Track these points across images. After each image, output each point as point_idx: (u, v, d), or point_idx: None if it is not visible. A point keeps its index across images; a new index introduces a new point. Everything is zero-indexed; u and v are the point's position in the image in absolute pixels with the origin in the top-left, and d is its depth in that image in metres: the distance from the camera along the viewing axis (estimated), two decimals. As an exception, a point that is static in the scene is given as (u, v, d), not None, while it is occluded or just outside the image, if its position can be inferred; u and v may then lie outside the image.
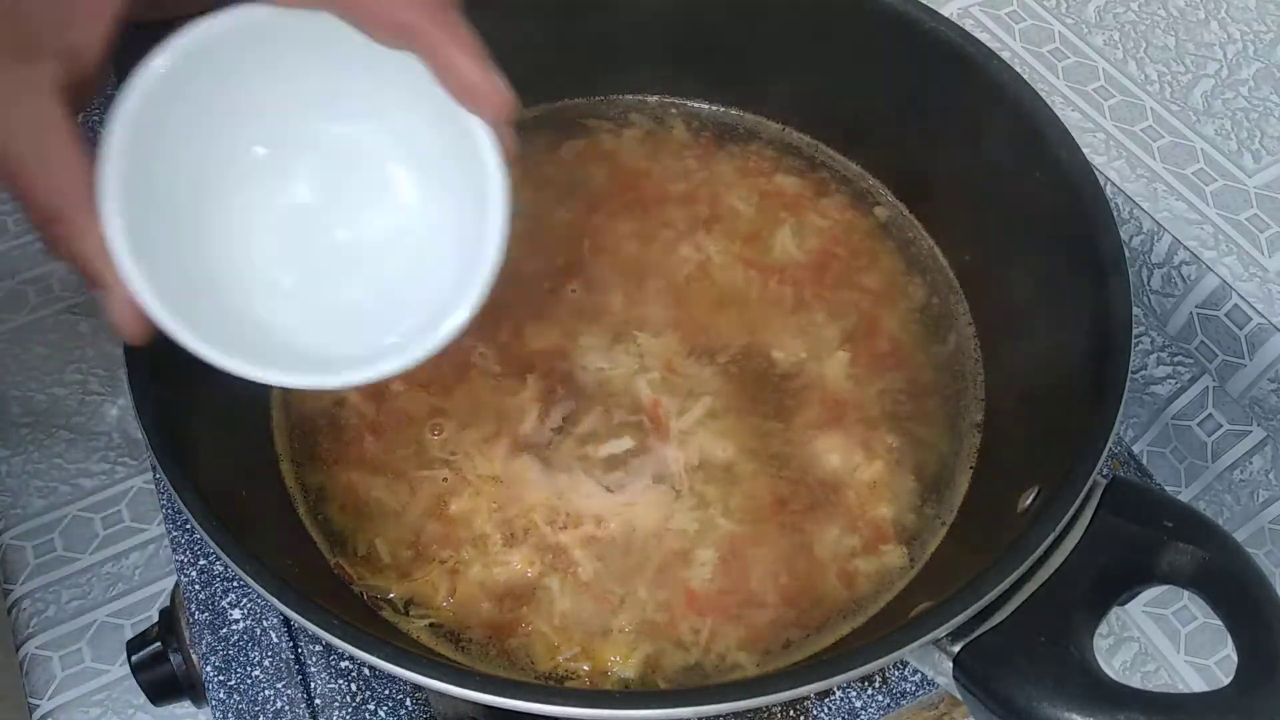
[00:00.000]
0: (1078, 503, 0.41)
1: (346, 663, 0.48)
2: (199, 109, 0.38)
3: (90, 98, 0.36)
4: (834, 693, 0.48)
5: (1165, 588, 0.42)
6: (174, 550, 0.51)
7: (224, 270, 0.40)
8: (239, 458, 0.50)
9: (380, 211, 0.42)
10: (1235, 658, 0.38)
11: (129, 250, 0.35)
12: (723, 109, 0.66)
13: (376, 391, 0.54)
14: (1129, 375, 0.44)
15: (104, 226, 0.35)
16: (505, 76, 0.36)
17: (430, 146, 0.40)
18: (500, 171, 0.37)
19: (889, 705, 0.48)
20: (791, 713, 0.48)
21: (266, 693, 0.47)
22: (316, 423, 0.53)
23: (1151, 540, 0.41)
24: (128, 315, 0.35)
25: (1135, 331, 0.52)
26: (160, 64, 0.36)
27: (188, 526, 0.51)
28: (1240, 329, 0.58)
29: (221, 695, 0.47)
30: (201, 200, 0.39)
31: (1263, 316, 0.57)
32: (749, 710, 0.38)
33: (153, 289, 0.36)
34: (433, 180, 0.42)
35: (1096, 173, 0.50)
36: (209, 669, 0.47)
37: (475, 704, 0.37)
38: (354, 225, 0.42)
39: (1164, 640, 0.66)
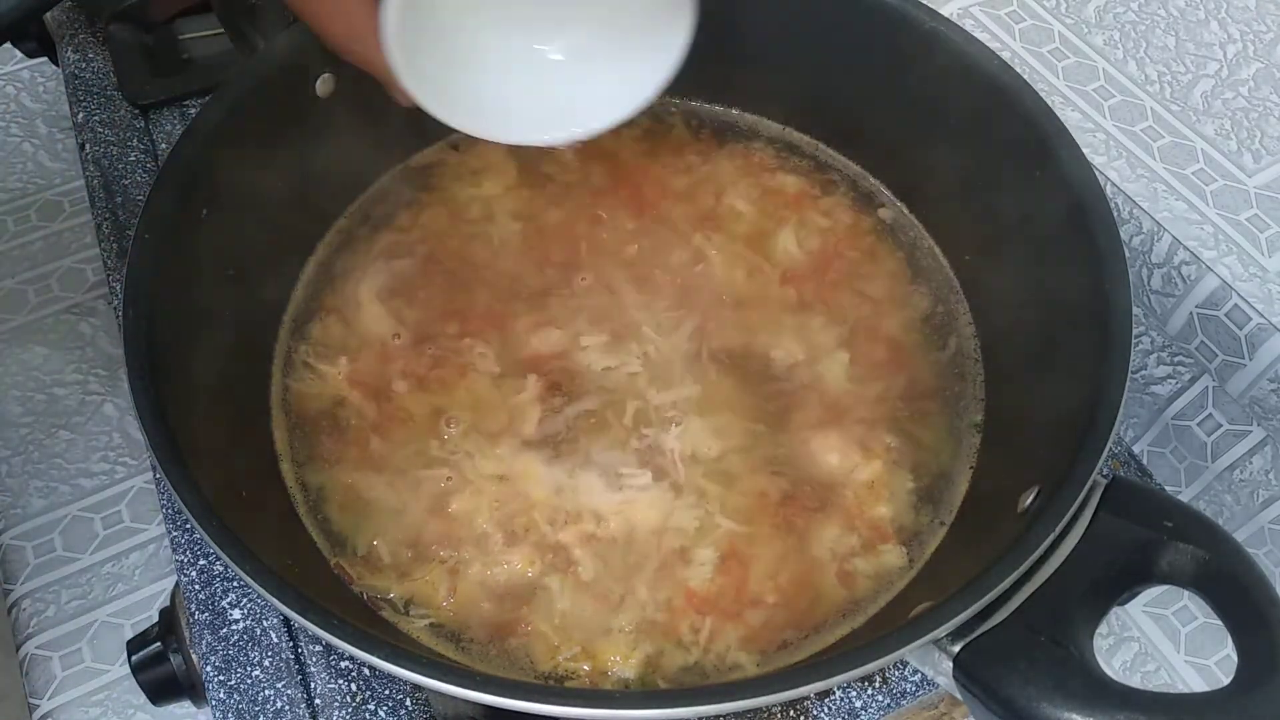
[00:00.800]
0: (1078, 503, 0.41)
1: (346, 663, 0.48)
2: None
3: None
4: (834, 693, 0.48)
5: (1165, 588, 0.42)
6: (174, 550, 0.51)
7: (464, 61, 0.52)
8: (239, 458, 0.50)
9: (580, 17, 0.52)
10: (1235, 658, 0.38)
11: (404, 65, 0.47)
12: (723, 109, 0.66)
13: (378, 391, 0.54)
14: (1129, 375, 0.44)
15: (389, 54, 0.47)
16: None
17: None
18: None
19: (889, 705, 0.48)
20: (791, 713, 0.48)
21: (266, 693, 0.47)
22: (317, 423, 0.53)
23: (1151, 540, 0.41)
24: (403, 100, 0.49)
25: (1135, 331, 0.52)
26: None
27: (188, 526, 0.51)
28: (1240, 329, 0.58)
29: (221, 695, 0.47)
30: (447, 15, 0.50)
31: (1263, 316, 0.57)
32: (749, 710, 0.38)
33: (419, 87, 0.48)
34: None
35: (1096, 173, 0.50)
36: (209, 669, 0.47)
37: (475, 704, 0.37)
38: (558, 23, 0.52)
39: (1164, 640, 0.66)
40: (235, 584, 0.50)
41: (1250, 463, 0.63)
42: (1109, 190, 0.62)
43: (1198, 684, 0.64)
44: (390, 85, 0.49)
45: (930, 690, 0.48)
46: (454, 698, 0.37)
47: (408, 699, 0.47)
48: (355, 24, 0.49)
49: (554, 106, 0.53)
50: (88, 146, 0.66)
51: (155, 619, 0.53)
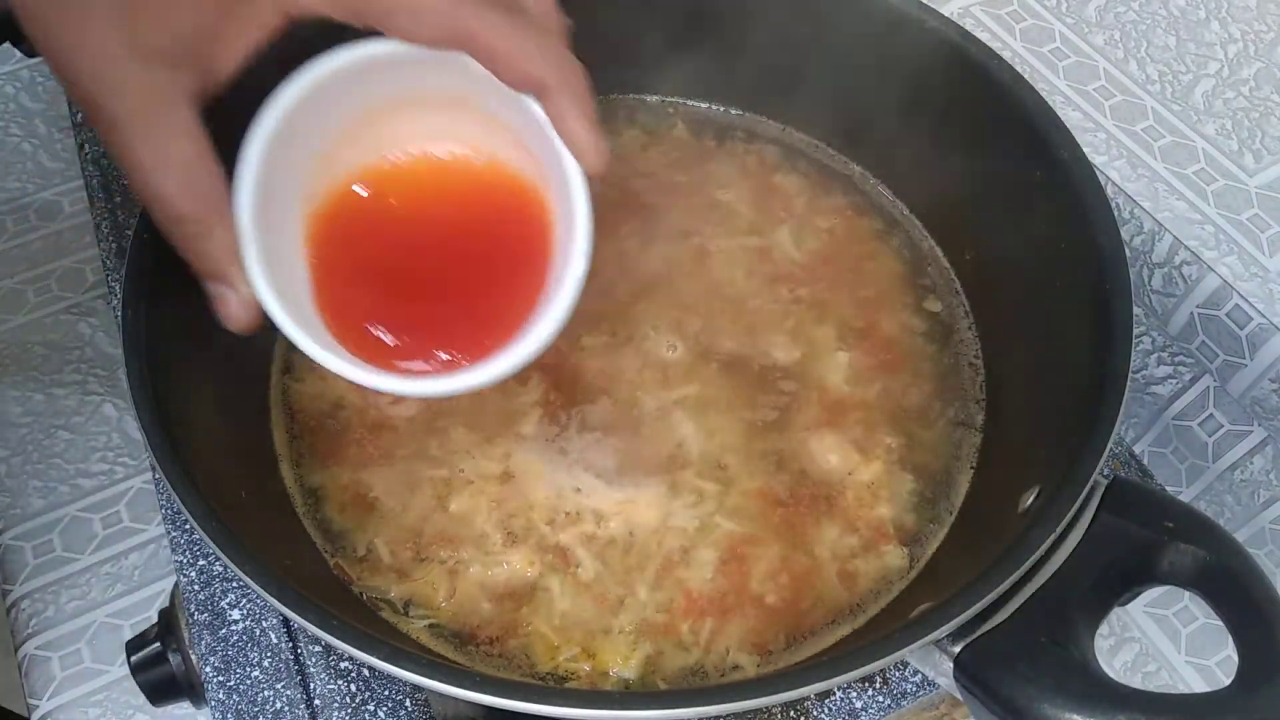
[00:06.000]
0: (1078, 503, 0.41)
1: (346, 663, 0.48)
2: (322, 126, 0.41)
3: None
4: (834, 693, 0.48)
5: (1166, 588, 0.42)
6: (173, 550, 0.51)
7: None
8: (239, 458, 0.50)
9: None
10: (1236, 658, 0.38)
11: (256, 253, 0.38)
12: (723, 109, 0.66)
13: (378, 392, 0.54)
14: (1129, 375, 0.44)
15: (238, 231, 0.38)
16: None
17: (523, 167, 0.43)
18: (588, 213, 0.40)
19: (890, 706, 0.48)
20: (792, 713, 0.48)
21: (266, 693, 0.47)
22: (316, 423, 0.53)
23: (1152, 541, 0.41)
24: (243, 309, 0.39)
25: (1136, 331, 0.52)
26: (297, 88, 0.39)
27: (187, 526, 0.51)
28: (1241, 329, 0.58)
29: (221, 696, 0.47)
30: (304, 208, 0.42)
31: (1263, 316, 0.57)
32: (749, 711, 0.38)
33: (268, 287, 0.39)
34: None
35: (1097, 172, 0.50)
36: (208, 669, 0.47)
37: (475, 704, 0.37)
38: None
39: (1165, 641, 0.66)
40: (235, 584, 0.50)
41: (1251, 463, 0.63)
42: (1110, 190, 0.62)
43: (1199, 684, 0.64)
44: (225, 280, 0.39)
45: (931, 691, 0.48)
46: (454, 698, 0.37)
47: (407, 700, 0.47)
48: (196, 185, 0.37)
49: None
50: (87, 146, 0.66)
51: (154, 619, 0.53)
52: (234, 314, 0.40)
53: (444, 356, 0.42)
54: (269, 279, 0.39)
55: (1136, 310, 0.54)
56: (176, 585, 0.51)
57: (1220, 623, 0.40)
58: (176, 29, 0.36)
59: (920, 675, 0.49)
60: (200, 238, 0.38)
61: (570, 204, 0.40)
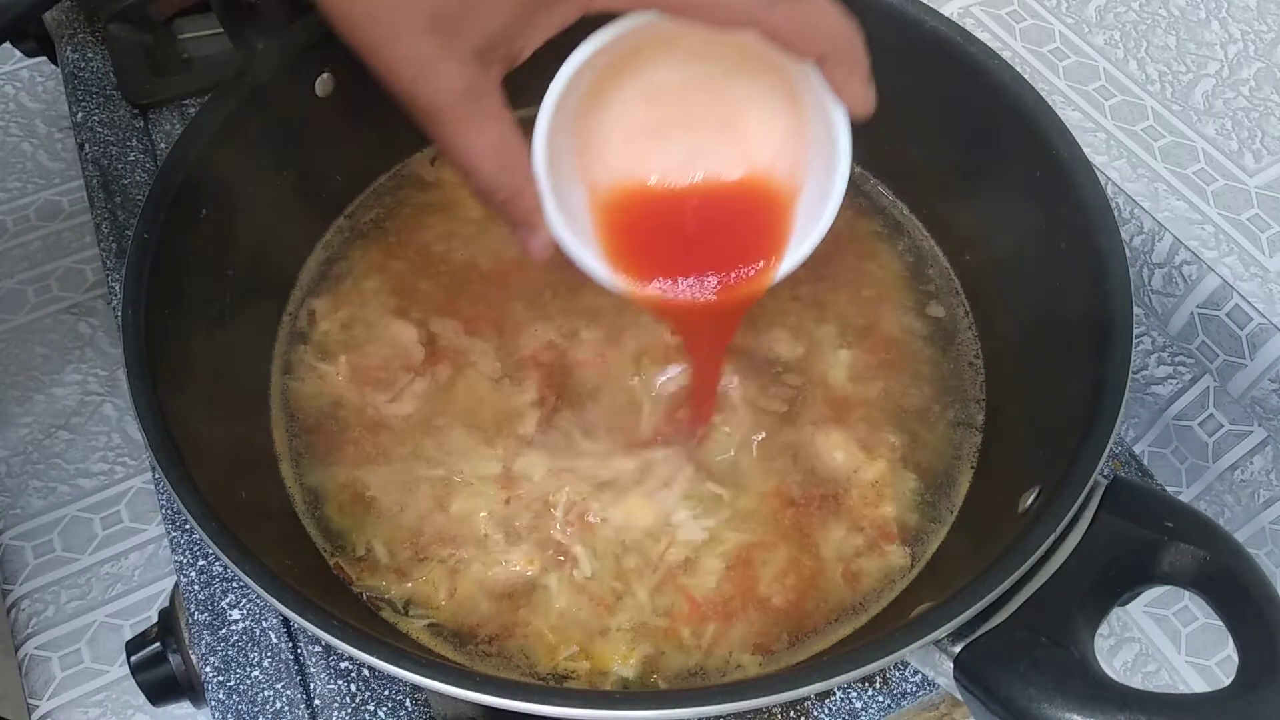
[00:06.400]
0: (1078, 503, 0.41)
1: (346, 663, 0.48)
2: (592, 93, 0.45)
3: None
4: (835, 693, 0.48)
5: (1166, 588, 0.42)
6: (173, 550, 0.51)
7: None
8: (239, 458, 0.50)
9: (727, 160, 0.49)
10: (1236, 658, 0.38)
11: (554, 204, 0.44)
12: (723, 109, 0.66)
13: (376, 391, 0.54)
14: (1129, 375, 0.44)
15: (540, 190, 0.44)
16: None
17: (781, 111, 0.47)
18: (849, 149, 0.46)
19: (890, 706, 0.48)
20: (792, 713, 0.48)
21: (266, 693, 0.47)
22: (316, 423, 0.53)
23: (1152, 541, 0.41)
24: (542, 247, 0.45)
25: (1136, 331, 0.52)
26: (572, 65, 0.42)
27: (187, 526, 0.51)
28: (1241, 329, 0.58)
29: (221, 696, 0.47)
30: (583, 155, 0.48)
31: (1264, 316, 0.57)
32: (749, 710, 0.38)
33: (565, 227, 0.45)
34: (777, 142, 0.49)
35: (1097, 172, 0.50)
36: (208, 669, 0.47)
37: (475, 704, 0.37)
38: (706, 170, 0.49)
39: (1165, 641, 0.66)
40: (235, 584, 0.50)
41: (1251, 463, 0.63)
42: (1110, 190, 0.62)
43: (1198, 685, 0.64)
44: (531, 228, 0.45)
45: (931, 691, 0.48)
46: (454, 698, 0.37)
47: (407, 699, 0.47)
48: (506, 160, 0.43)
49: None
50: (87, 146, 0.66)
51: (154, 619, 0.53)
52: (535, 249, 0.46)
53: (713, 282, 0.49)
54: (563, 219, 0.45)
55: (1136, 310, 0.54)
56: (176, 585, 0.51)
57: (1220, 623, 0.40)
58: (484, 34, 0.40)
59: (920, 675, 0.49)
60: (511, 201, 0.44)
61: (833, 139, 0.45)
